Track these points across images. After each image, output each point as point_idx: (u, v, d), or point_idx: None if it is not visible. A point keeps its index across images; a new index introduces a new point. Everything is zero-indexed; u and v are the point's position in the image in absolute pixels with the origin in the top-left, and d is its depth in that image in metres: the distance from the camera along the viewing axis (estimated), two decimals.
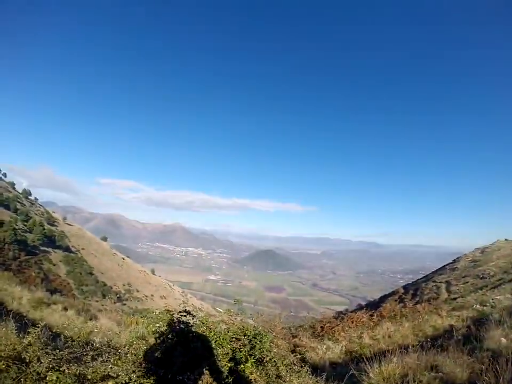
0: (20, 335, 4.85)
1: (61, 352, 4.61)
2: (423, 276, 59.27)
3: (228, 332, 5.80)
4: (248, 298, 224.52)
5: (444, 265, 54.27)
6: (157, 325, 5.40)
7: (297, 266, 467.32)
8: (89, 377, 4.39)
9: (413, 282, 56.92)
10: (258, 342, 5.63)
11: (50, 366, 4.26)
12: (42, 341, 4.83)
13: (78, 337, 6.28)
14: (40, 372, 4.16)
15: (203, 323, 5.73)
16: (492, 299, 14.85)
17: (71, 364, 4.44)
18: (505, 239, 54.03)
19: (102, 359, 4.83)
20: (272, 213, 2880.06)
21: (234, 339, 5.71)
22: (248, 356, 5.45)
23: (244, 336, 5.78)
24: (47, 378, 4.13)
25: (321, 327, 12.64)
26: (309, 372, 5.85)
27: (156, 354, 5.03)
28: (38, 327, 4.85)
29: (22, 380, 4.07)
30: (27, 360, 4.31)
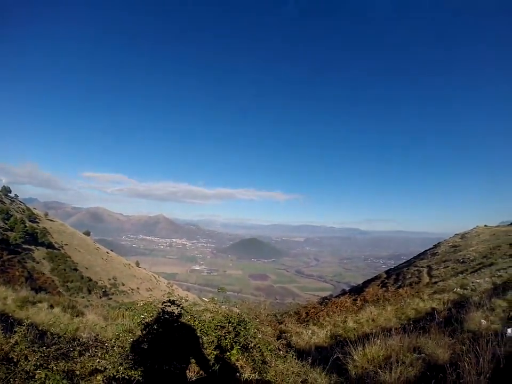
0: (6, 335, 4.85)
1: (48, 349, 4.60)
2: (405, 261, 60.40)
3: (213, 320, 5.82)
4: (233, 287, 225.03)
5: (425, 250, 55.53)
6: (142, 316, 5.40)
7: (281, 254, 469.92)
8: (78, 372, 4.39)
9: (395, 267, 57.96)
10: (242, 329, 5.68)
11: (38, 363, 4.25)
12: (29, 339, 4.82)
13: (65, 334, 6.27)
14: (28, 370, 4.14)
15: (187, 312, 5.77)
16: (472, 282, 15.42)
17: (58, 361, 4.43)
18: (485, 225, 56.00)
19: (89, 354, 4.84)
20: (257, 201, 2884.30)
21: (219, 327, 5.74)
22: (233, 343, 5.51)
23: (229, 323, 5.81)
24: (36, 377, 4.11)
25: (306, 312, 12.85)
26: (294, 357, 5.96)
27: (142, 346, 5.05)
28: (24, 325, 4.85)
29: (11, 380, 4.03)
30: (15, 360, 4.29)
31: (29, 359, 4.29)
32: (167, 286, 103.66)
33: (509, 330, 4.55)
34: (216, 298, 6.96)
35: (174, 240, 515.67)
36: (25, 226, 77.62)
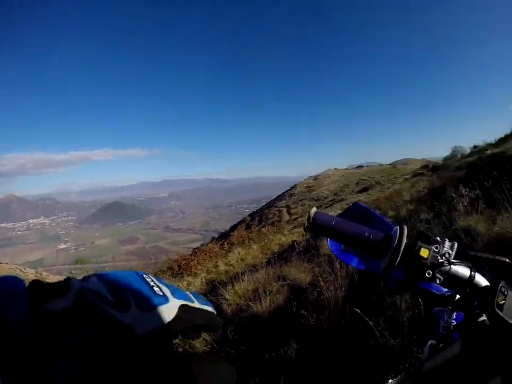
0: None
1: None
2: (266, 203, 64.86)
3: None
4: (105, 257, 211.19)
5: (283, 192, 60.35)
6: None
7: (146, 213, 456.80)
8: None
9: (257, 210, 61.56)
10: None
11: None
12: None
13: None
14: None
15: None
16: None
17: None
18: (335, 168, 64.69)
19: None
20: (115, 161, 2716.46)
21: None
22: None
23: None
24: None
25: (178, 265, 12.88)
26: None
27: None
28: None
29: None
30: None
31: None
32: (35, 276, 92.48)
33: None
34: (73, 272, 6.42)
35: (31, 221, 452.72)
36: None
